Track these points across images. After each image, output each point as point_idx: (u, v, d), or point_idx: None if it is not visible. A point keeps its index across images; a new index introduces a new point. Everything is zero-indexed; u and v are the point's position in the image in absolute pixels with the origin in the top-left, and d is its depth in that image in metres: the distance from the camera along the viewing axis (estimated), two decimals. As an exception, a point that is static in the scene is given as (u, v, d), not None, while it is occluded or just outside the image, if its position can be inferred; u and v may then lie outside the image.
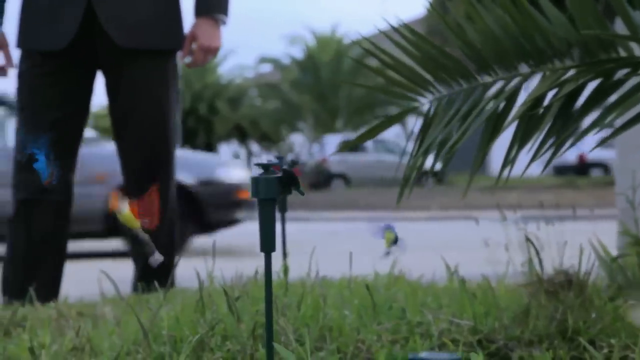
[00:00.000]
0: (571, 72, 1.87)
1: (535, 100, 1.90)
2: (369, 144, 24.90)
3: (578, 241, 2.09)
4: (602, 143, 1.88)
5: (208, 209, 8.24)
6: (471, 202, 13.47)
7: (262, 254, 1.47)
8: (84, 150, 3.31)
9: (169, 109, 3.19)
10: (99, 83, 3.26)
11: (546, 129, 1.90)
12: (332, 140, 25.90)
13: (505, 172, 1.91)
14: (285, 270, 2.28)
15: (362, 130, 2.58)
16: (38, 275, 3.10)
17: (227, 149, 34.67)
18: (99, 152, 7.62)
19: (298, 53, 33.87)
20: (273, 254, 1.49)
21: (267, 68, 35.79)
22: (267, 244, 1.46)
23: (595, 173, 26.24)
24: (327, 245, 4.48)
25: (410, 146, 2.07)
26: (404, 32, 1.99)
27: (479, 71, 1.99)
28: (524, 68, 1.94)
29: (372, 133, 2.05)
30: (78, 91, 3.21)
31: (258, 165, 1.46)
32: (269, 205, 1.45)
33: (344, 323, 1.91)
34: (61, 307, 2.47)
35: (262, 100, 34.33)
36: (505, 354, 1.84)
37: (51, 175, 1.44)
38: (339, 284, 2.46)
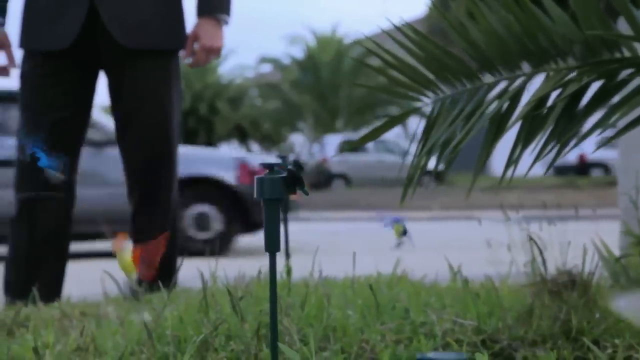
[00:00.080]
0: (575, 72, 1.87)
1: (539, 101, 1.90)
2: (369, 144, 24.87)
3: (580, 241, 2.09)
4: (606, 143, 1.88)
5: (253, 208, 8.22)
6: (472, 202, 13.48)
7: (264, 254, 1.48)
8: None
9: (171, 109, 3.19)
10: (101, 83, 3.26)
11: (550, 129, 1.89)
12: (333, 141, 25.90)
13: (509, 173, 1.91)
14: (289, 270, 2.28)
15: (363, 130, 2.57)
16: (40, 275, 3.09)
17: (227, 149, 34.63)
18: None
19: (298, 53, 33.86)
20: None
21: (267, 68, 35.76)
22: (272, 244, 1.46)
23: (596, 173, 26.24)
24: (328, 245, 4.49)
25: (413, 146, 2.07)
26: (407, 32, 1.99)
27: (482, 71, 1.99)
28: (527, 68, 1.94)
29: (375, 134, 2.04)
30: (80, 91, 3.21)
31: (262, 165, 1.47)
32: (273, 205, 1.45)
33: (347, 323, 1.91)
34: (64, 307, 2.47)
35: (263, 101, 34.29)
36: (509, 354, 1.84)
37: (62, 168, 1.43)
38: (342, 284, 2.45)
